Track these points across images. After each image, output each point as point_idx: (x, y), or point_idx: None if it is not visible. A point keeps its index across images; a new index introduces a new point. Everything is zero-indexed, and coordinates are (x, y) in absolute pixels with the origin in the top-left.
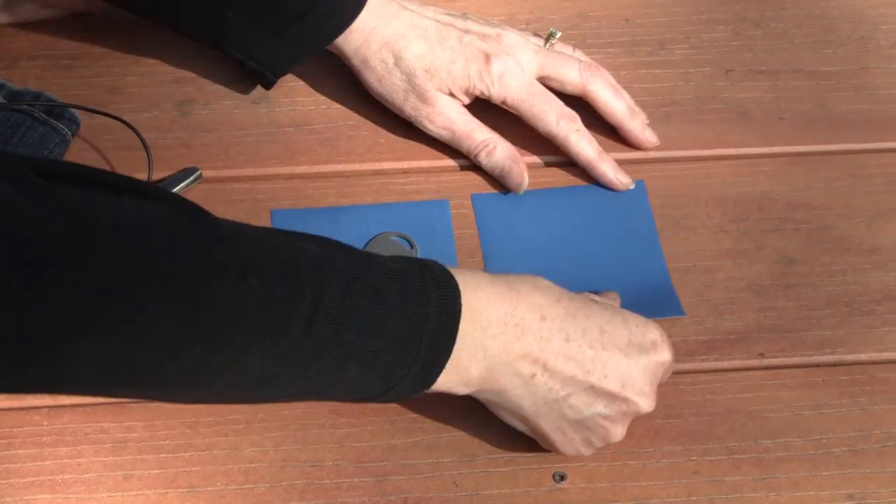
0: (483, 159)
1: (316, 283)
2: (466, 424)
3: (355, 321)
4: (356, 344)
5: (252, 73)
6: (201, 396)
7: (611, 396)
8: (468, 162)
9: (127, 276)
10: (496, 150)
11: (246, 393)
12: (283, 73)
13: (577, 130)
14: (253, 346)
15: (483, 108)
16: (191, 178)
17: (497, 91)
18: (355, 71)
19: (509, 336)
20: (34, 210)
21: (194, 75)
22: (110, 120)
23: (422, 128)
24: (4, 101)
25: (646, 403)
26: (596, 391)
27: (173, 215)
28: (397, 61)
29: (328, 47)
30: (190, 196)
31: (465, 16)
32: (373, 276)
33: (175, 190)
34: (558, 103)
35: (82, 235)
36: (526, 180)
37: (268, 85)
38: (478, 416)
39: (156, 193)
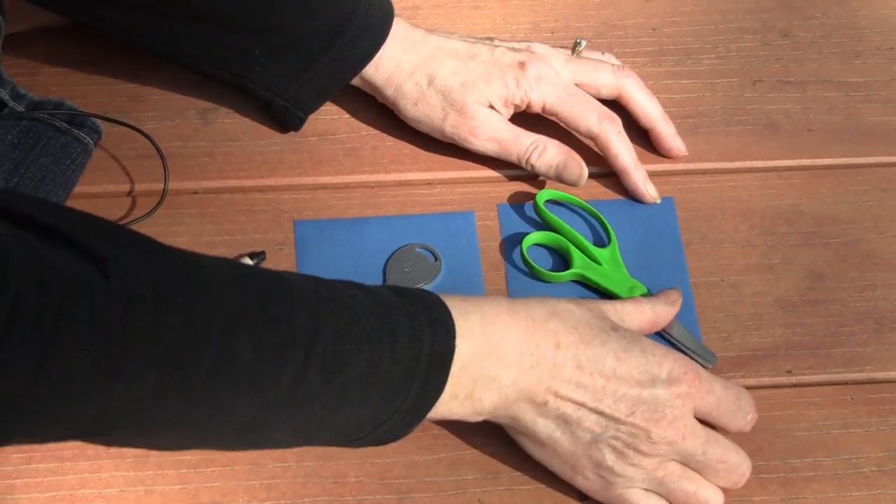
0: (535, 161)
1: (308, 334)
2: (490, 441)
3: (346, 369)
4: (346, 390)
5: (280, 112)
6: (182, 444)
7: (618, 422)
8: (494, 173)
9: (116, 339)
10: (547, 149)
11: (228, 440)
12: (313, 109)
13: (619, 132)
14: (238, 400)
15: (518, 120)
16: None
17: (536, 96)
18: (389, 101)
19: (524, 365)
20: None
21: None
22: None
23: (466, 145)
24: (22, 109)
25: (663, 432)
26: (605, 417)
27: (149, 267)
28: (431, 81)
29: (360, 84)
30: (213, 205)
31: (489, 38)
32: (364, 323)
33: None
34: (599, 104)
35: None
36: (585, 171)
37: (297, 124)
38: (502, 432)
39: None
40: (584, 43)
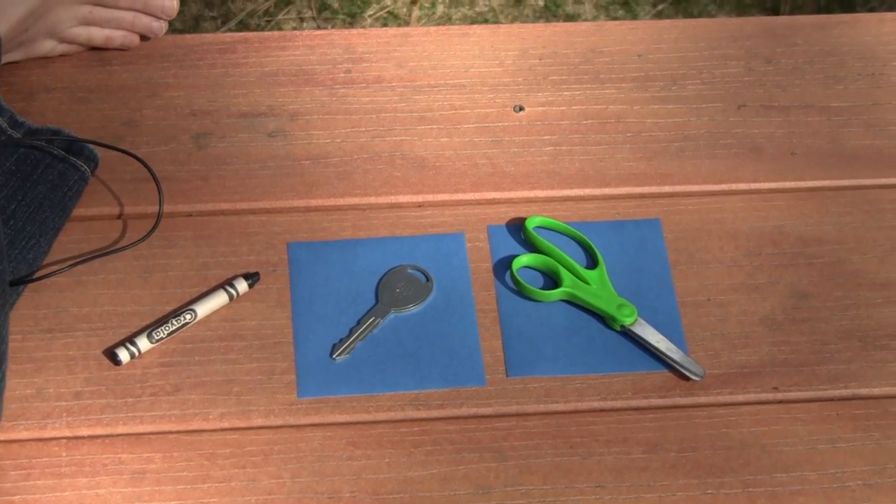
0: None
1: None
2: (483, 457)
3: None
4: None
5: None
6: None
7: None
8: (484, 195)
9: None
10: None
11: None
12: None
13: None
14: None
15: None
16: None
17: None
18: None
19: None
20: None
21: (210, 108)
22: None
23: None
24: (20, 136)
25: None
26: None
27: None
28: None
29: None
30: (208, 228)
31: None
32: None
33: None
34: None
35: None
36: None
37: None
38: (493, 448)
39: None
40: None
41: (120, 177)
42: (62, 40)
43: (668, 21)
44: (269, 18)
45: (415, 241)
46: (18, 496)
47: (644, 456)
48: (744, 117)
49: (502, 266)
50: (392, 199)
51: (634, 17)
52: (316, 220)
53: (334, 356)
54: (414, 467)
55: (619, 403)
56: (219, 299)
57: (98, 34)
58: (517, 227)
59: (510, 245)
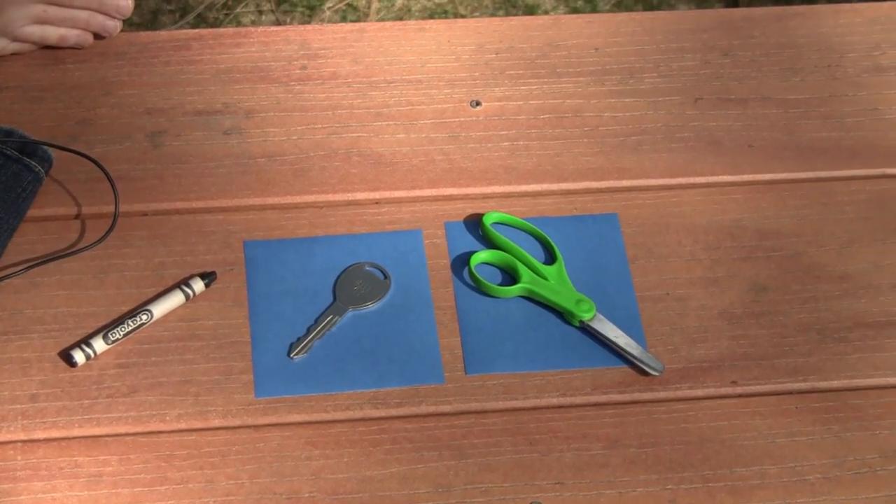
0: None
1: None
2: (442, 455)
3: None
4: None
5: None
6: None
7: None
8: (441, 192)
9: None
10: None
11: None
12: None
13: None
14: None
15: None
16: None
17: None
18: None
19: None
20: None
21: (165, 106)
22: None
23: None
24: None
25: None
26: None
27: None
28: None
29: None
30: (164, 227)
31: None
32: None
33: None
34: None
35: None
36: None
37: None
38: (453, 446)
39: None
40: None
41: (75, 177)
42: (14, 39)
43: (624, 14)
44: (228, 12)
45: (372, 239)
46: None
47: (604, 452)
48: (701, 110)
49: (460, 262)
50: (349, 196)
51: (594, 7)
52: (272, 218)
53: (292, 355)
54: (373, 466)
55: (578, 399)
56: (175, 299)
57: (52, 33)
58: (475, 224)
59: (468, 241)
